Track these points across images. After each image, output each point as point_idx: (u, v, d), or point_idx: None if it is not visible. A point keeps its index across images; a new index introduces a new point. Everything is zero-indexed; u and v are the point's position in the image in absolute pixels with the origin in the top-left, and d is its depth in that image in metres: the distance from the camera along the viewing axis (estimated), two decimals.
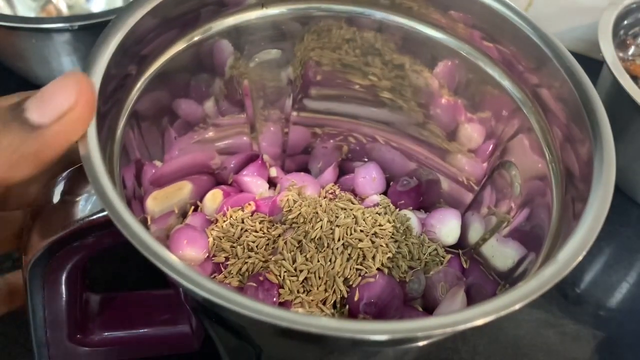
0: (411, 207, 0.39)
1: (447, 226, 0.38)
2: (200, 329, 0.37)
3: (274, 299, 0.32)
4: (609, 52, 0.50)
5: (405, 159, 0.41)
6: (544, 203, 0.31)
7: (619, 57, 0.50)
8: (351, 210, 0.36)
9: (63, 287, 0.31)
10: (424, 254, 0.36)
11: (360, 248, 0.34)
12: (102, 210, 0.27)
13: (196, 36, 0.33)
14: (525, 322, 0.45)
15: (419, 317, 0.34)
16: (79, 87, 0.23)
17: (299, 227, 0.35)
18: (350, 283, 0.33)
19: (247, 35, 0.36)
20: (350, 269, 0.33)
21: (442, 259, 0.37)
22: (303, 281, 0.33)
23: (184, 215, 0.38)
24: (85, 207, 0.28)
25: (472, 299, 0.34)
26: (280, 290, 0.33)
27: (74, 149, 0.24)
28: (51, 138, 0.23)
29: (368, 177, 0.40)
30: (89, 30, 0.48)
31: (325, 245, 0.34)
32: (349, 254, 0.34)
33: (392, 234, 0.36)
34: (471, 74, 0.35)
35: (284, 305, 0.33)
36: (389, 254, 0.34)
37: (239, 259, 0.35)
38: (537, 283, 0.22)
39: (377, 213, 0.37)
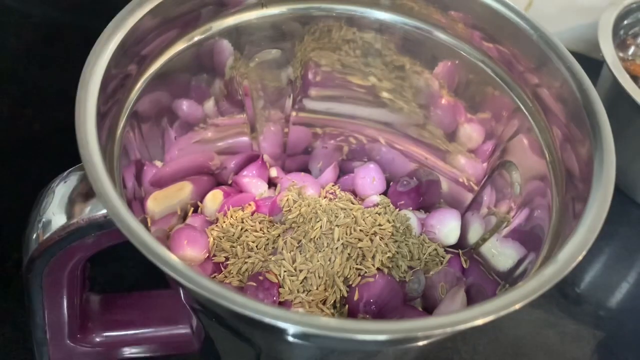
0: (411, 207, 0.39)
1: (447, 226, 0.38)
2: (200, 329, 0.37)
3: (274, 299, 0.32)
4: (609, 52, 0.50)
5: (405, 159, 0.41)
6: (544, 203, 0.31)
7: (619, 57, 0.50)
8: (351, 210, 0.36)
9: (63, 287, 0.31)
10: (424, 254, 0.36)
11: (359, 247, 0.34)
12: (102, 210, 0.27)
13: (196, 36, 0.33)
14: (525, 322, 0.45)
15: (419, 317, 0.34)
16: None
17: (298, 227, 0.35)
18: (350, 283, 0.33)
19: (247, 35, 0.36)
20: (350, 269, 0.33)
21: (442, 259, 0.37)
22: (303, 281, 0.33)
23: (184, 215, 0.38)
24: (85, 207, 0.28)
25: (472, 299, 0.34)
26: (280, 290, 0.33)
27: None
28: None
29: (368, 178, 0.40)
30: None
31: (325, 245, 0.34)
32: (349, 254, 0.34)
33: (392, 234, 0.36)
34: (471, 74, 0.35)
35: (284, 305, 0.33)
36: (389, 254, 0.34)
37: (239, 258, 0.35)
38: (537, 283, 0.22)
39: (376, 213, 0.37)
